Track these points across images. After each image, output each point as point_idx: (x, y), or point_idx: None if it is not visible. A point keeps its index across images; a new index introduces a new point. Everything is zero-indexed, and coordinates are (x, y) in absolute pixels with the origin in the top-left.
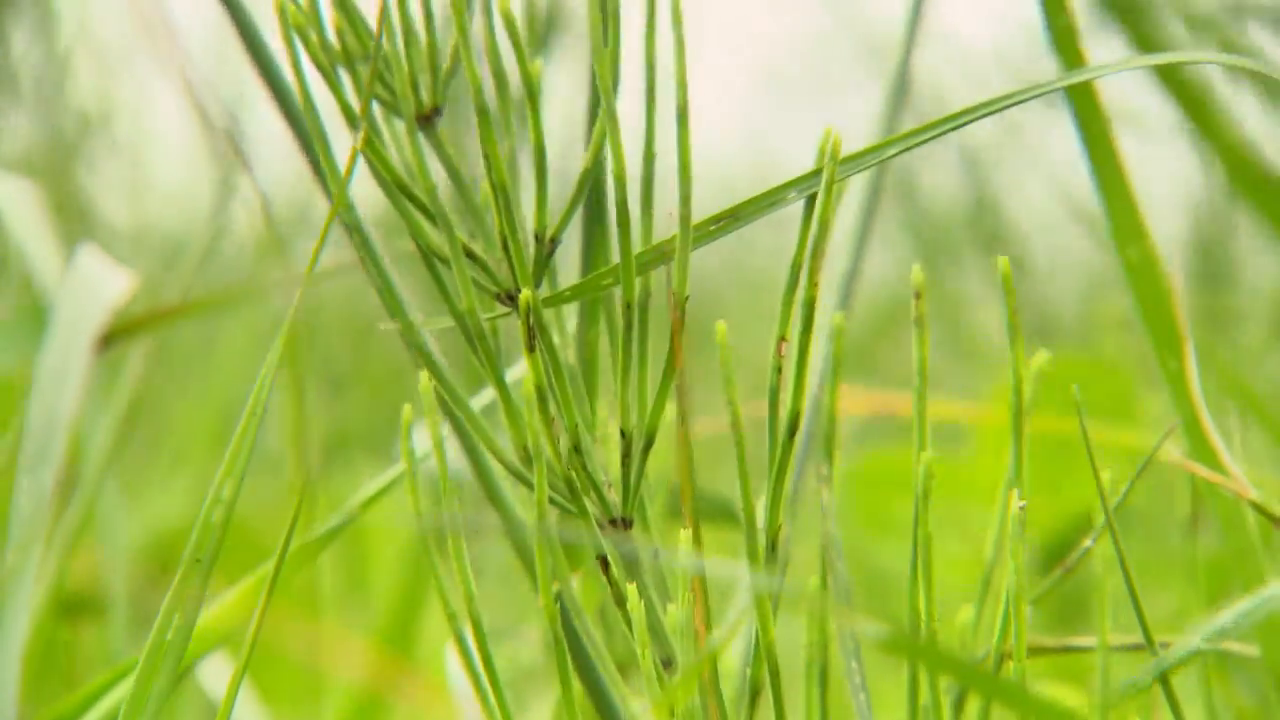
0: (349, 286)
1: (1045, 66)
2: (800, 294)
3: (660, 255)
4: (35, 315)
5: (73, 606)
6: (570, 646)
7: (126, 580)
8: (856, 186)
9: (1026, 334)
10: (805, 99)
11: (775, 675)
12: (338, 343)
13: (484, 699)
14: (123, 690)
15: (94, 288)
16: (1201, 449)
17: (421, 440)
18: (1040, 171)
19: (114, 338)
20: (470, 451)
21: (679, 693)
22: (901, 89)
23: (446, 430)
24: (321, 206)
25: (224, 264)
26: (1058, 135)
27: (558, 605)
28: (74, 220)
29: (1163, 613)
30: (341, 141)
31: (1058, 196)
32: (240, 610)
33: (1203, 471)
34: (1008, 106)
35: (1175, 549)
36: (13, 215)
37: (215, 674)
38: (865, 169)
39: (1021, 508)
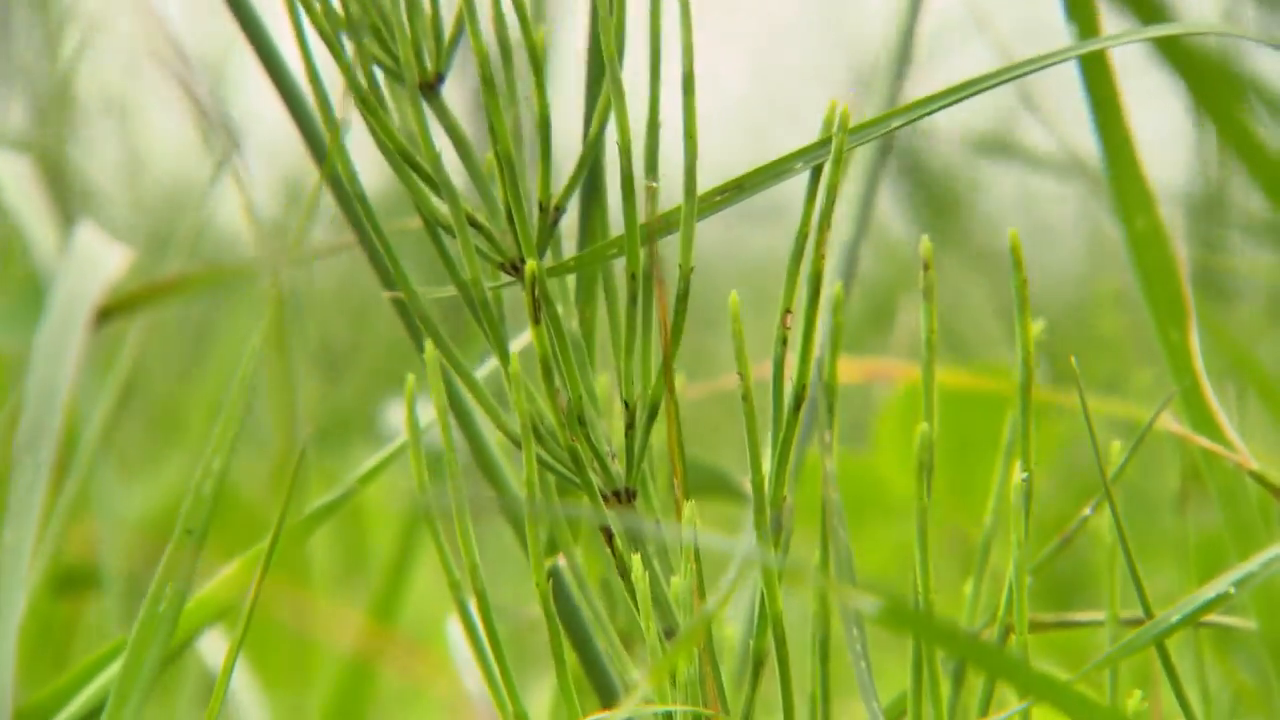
0: (346, 270)
1: (1039, 40)
2: (806, 266)
3: (666, 225)
4: (33, 293)
5: (70, 581)
6: (566, 621)
7: (124, 554)
8: (858, 160)
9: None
10: (801, 93)
11: (782, 645)
12: (334, 325)
13: (487, 671)
14: (117, 666)
15: (92, 264)
16: (1202, 420)
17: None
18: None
19: (110, 314)
20: (465, 425)
21: (678, 660)
22: (903, 60)
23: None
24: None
25: (223, 240)
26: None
27: (550, 582)
28: (70, 197)
29: (1158, 588)
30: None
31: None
32: (236, 585)
33: (1204, 442)
34: (1019, 76)
35: (1168, 523)
36: (11, 192)
37: (211, 647)
38: (871, 140)
39: (1025, 479)
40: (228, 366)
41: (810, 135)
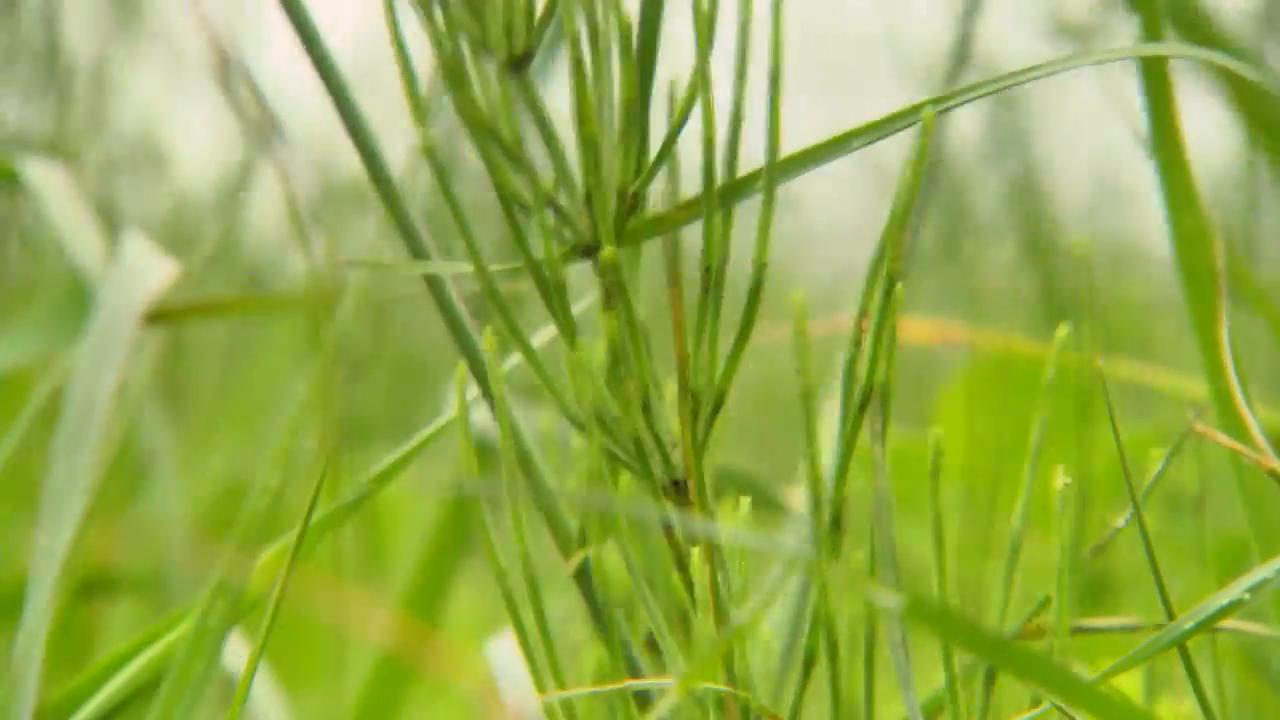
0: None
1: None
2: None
3: (739, 191)
4: (75, 301)
5: (93, 584)
6: (602, 615)
7: (153, 559)
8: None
9: (1052, 311)
10: (828, 92)
11: (834, 646)
12: (357, 330)
13: (532, 661)
14: (134, 668)
15: (138, 275)
16: (1230, 420)
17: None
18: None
19: (154, 325)
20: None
21: (719, 658)
22: (963, 55)
23: (475, 401)
24: (344, 187)
25: (257, 244)
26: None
27: (587, 573)
28: (111, 195)
29: (1177, 590)
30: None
31: (1089, 176)
32: (264, 579)
33: (1226, 441)
34: (1069, 68)
35: (1189, 523)
36: (52, 200)
37: (233, 643)
38: (947, 107)
39: (1066, 484)
40: (266, 371)
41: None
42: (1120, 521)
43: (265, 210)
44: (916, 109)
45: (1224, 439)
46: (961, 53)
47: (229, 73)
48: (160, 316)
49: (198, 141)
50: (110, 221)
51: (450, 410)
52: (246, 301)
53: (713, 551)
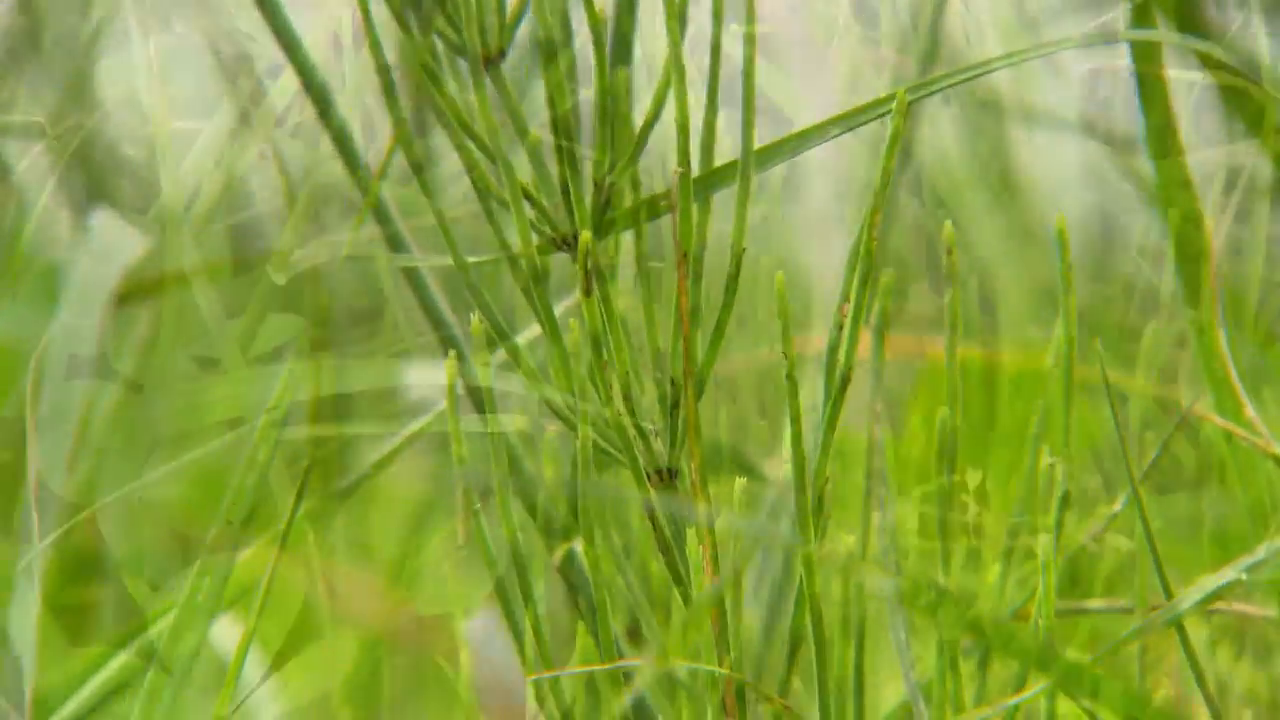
0: (358, 264)
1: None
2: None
3: (718, 180)
4: (52, 281)
5: (81, 566)
6: (581, 603)
7: (141, 539)
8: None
9: (1036, 299)
10: (795, 69)
11: (818, 624)
12: (345, 318)
13: (521, 642)
14: (132, 653)
15: (109, 250)
16: (1227, 403)
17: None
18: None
19: (128, 299)
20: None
21: (694, 628)
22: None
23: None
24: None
25: (249, 226)
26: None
27: (571, 561)
28: (94, 172)
29: (1179, 576)
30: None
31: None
32: (256, 564)
33: (1225, 424)
34: (1049, 53)
35: (1181, 507)
36: (29, 181)
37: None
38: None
39: (1052, 464)
40: (251, 352)
41: (803, 109)
42: (1117, 506)
43: (256, 207)
44: (891, 96)
45: (1221, 421)
46: (934, 40)
47: (224, 52)
48: (135, 290)
49: (189, 125)
50: (93, 200)
51: (423, 390)
52: (222, 267)
53: (701, 537)
